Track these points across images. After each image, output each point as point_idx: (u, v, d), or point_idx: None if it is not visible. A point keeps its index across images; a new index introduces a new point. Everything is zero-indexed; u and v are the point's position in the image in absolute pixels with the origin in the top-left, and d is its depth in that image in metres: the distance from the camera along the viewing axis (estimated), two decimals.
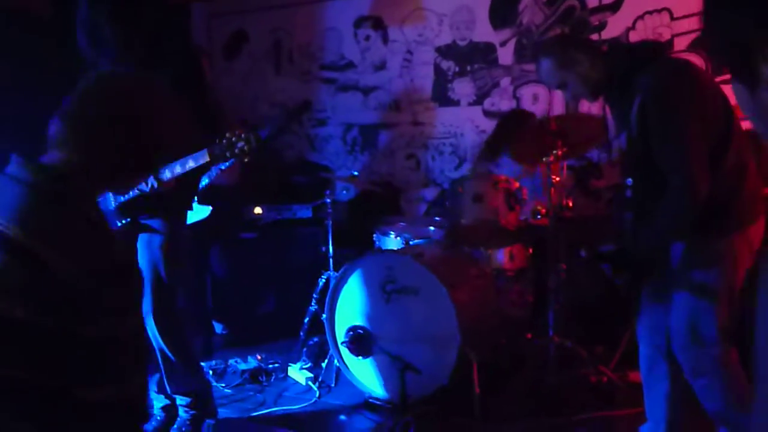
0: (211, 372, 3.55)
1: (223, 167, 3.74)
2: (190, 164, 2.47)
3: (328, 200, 3.88)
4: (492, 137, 4.28)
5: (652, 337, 2.33)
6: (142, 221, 2.69)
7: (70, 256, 1.31)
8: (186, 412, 2.84)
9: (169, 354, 2.74)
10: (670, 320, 2.21)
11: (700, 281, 2.13)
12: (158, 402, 2.94)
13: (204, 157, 2.44)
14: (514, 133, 3.48)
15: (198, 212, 3.45)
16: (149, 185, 2.51)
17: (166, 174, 2.49)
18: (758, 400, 1.17)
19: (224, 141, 2.39)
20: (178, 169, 2.49)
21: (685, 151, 2.03)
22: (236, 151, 2.38)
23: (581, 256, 2.35)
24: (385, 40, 4.90)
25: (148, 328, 2.73)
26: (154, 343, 2.75)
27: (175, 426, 2.85)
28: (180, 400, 2.84)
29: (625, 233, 2.33)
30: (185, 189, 2.81)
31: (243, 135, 2.38)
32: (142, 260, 2.70)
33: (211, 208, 3.70)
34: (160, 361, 2.78)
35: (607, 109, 3.28)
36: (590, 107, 4.26)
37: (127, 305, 1.44)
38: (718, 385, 2.16)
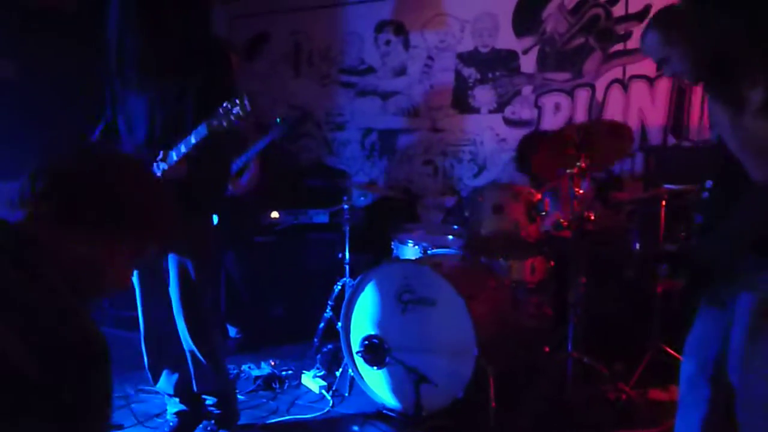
0: None
1: (239, 164, 3.75)
2: (192, 140, 2.44)
3: (346, 206, 3.85)
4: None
5: (700, 354, 2.20)
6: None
7: (25, 336, 1.04)
8: (214, 411, 2.84)
9: (199, 355, 2.74)
10: (731, 337, 2.00)
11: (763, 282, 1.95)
12: (171, 407, 2.92)
13: (204, 131, 2.40)
14: (533, 156, 3.43)
15: None
16: (160, 170, 2.49)
17: (173, 157, 2.48)
18: None
19: (220, 110, 2.36)
20: (183, 149, 2.47)
21: None
22: (232, 118, 2.34)
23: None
24: (406, 45, 4.87)
25: (179, 330, 2.73)
26: (185, 345, 2.75)
27: (201, 426, 2.86)
28: (208, 400, 2.85)
29: (693, 236, 2.19)
30: (211, 190, 2.80)
31: (236, 100, 2.34)
32: (173, 264, 2.69)
33: (217, 218, 3.67)
34: (190, 362, 2.78)
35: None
36: (615, 114, 4.21)
37: (94, 403, 1.14)
38: None
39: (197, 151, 2.47)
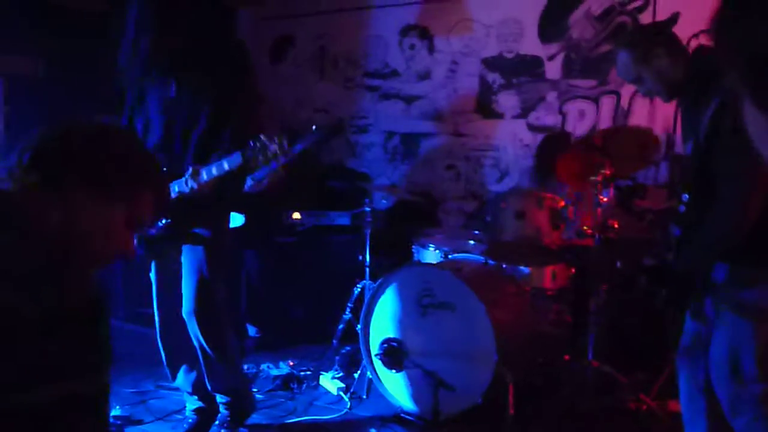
0: None
1: (264, 174, 3.76)
2: (225, 167, 2.48)
3: (367, 208, 3.86)
4: (537, 165, 4.26)
5: (689, 367, 2.17)
6: (191, 230, 2.71)
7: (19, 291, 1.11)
8: (226, 409, 2.86)
9: (210, 353, 2.76)
10: (710, 349, 2.03)
11: (742, 299, 1.96)
12: (190, 404, 2.95)
13: (238, 160, 2.45)
14: (556, 156, 3.41)
15: (233, 220, 3.46)
16: (188, 187, 2.52)
17: (203, 176, 2.50)
18: None
19: (257, 144, 2.40)
20: (213, 171, 2.50)
21: (752, 161, 1.85)
22: (269, 154, 2.39)
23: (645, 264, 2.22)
24: (431, 49, 4.87)
25: (189, 328, 2.75)
26: (195, 342, 2.77)
27: (216, 423, 2.88)
28: (220, 398, 2.87)
29: (671, 249, 2.21)
30: (228, 194, 2.82)
31: (276, 139, 2.38)
32: (187, 261, 2.71)
33: (244, 217, 3.70)
34: (201, 360, 2.79)
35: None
36: (640, 123, 4.17)
37: (90, 362, 1.21)
38: (761, 427, 1.99)
39: (227, 174, 2.52)
